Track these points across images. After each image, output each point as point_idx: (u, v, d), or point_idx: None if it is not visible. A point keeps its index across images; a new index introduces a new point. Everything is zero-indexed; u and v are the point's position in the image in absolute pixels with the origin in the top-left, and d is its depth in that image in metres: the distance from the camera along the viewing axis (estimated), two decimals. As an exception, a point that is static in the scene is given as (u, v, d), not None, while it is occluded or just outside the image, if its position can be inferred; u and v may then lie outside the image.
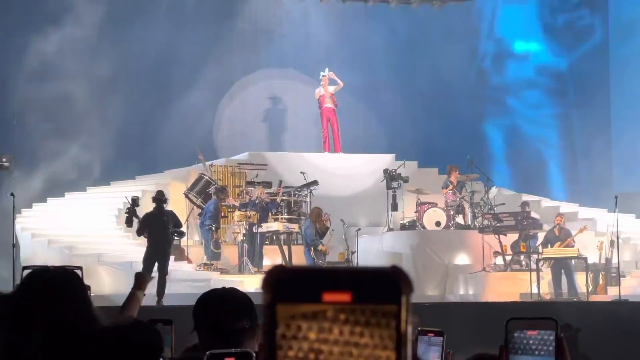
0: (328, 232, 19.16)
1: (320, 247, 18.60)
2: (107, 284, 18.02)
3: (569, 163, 26.56)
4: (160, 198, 16.80)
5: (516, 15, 26.54)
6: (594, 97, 26.08)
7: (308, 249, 18.58)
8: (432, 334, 3.51)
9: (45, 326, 3.04)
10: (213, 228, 19.16)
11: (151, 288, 16.10)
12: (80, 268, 3.27)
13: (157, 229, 16.45)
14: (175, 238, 17.57)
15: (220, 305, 3.70)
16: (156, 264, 16.36)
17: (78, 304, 3.08)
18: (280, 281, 1.16)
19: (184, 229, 19.44)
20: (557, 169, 26.60)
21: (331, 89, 22.71)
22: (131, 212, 16.70)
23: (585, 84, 26.17)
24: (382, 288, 1.15)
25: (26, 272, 3.30)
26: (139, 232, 16.76)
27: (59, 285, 3.10)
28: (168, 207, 17.43)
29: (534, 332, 2.36)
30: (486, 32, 26.79)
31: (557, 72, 26.61)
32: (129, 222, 16.96)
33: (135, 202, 16.87)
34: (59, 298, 3.06)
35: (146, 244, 16.73)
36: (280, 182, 20.75)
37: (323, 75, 22.71)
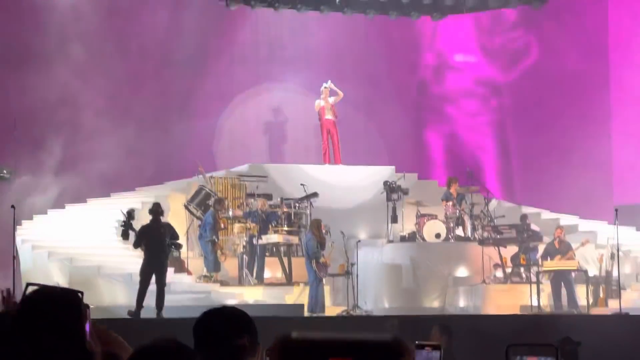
0: (329, 244, 19.16)
1: (321, 260, 18.59)
2: (107, 296, 18.02)
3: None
4: (156, 210, 16.81)
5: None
6: (593, 108, 26.15)
7: (310, 262, 18.57)
8: (430, 348, 3.53)
9: (37, 348, 3.05)
10: (215, 239, 19.16)
11: (150, 300, 16.10)
12: (81, 293, 3.27)
13: (154, 241, 16.44)
14: (173, 250, 17.54)
15: (220, 323, 3.72)
16: (154, 276, 16.34)
17: (72, 331, 3.09)
18: (288, 350, 1.21)
19: (182, 240, 19.44)
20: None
21: (331, 100, 22.74)
22: (127, 225, 16.67)
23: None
24: (384, 357, 1.20)
25: (30, 288, 3.31)
26: (136, 245, 16.75)
27: (56, 309, 3.11)
28: (167, 218, 17.43)
29: (533, 358, 2.37)
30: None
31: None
32: (125, 235, 16.94)
33: (130, 215, 16.85)
34: (54, 322, 3.08)
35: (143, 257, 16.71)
36: (282, 199, 20.75)
37: (325, 87, 22.74)
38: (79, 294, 3.18)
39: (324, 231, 19.06)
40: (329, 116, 22.71)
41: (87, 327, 3.20)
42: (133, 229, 16.63)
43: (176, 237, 16.84)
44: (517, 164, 26.72)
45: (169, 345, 3.05)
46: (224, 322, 3.73)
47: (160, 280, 16.32)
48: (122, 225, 16.85)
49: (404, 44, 26.64)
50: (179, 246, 17.24)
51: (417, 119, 26.99)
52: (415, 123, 26.91)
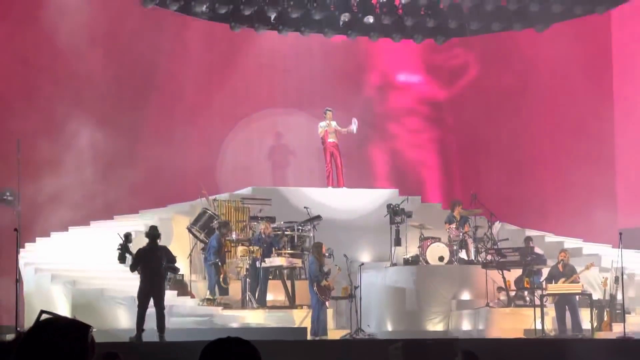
0: (335, 268, 19.11)
1: (324, 283, 18.55)
2: (110, 319, 17.97)
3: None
4: (153, 234, 16.76)
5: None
6: (597, 130, 26.17)
7: (312, 285, 18.54)
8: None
9: None
10: (219, 263, 19.12)
11: (151, 324, 16.04)
12: (91, 328, 3.29)
13: (150, 265, 16.37)
14: (172, 274, 17.44)
15: (225, 355, 3.69)
16: (152, 299, 16.26)
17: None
18: None
19: (185, 263, 19.40)
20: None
21: (334, 124, 22.75)
22: (123, 248, 16.60)
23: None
24: None
25: (44, 316, 3.32)
26: (132, 268, 16.69)
27: (62, 340, 3.12)
28: (171, 241, 17.38)
29: None
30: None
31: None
32: (121, 259, 16.87)
33: (127, 238, 16.78)
34: (57, 353, 3.08)
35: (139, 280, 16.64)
36: (285, 223, 20.74)
37: (329, 111, 22.78)
38: (89, 329, 3.18)
39: (326, 254, 19.04)
40: (332, 139, 22.74)
41: None
42: (130, 252, 16.56)
43: (173, 260, 16.73)
44: (520, 186, 26.70)
45: None
46: (230, 353, 3.70)
47: (158, 303, 16.23)
48: (118, 249, 16.80)
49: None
50: (175, 270, 17.14)
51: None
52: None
